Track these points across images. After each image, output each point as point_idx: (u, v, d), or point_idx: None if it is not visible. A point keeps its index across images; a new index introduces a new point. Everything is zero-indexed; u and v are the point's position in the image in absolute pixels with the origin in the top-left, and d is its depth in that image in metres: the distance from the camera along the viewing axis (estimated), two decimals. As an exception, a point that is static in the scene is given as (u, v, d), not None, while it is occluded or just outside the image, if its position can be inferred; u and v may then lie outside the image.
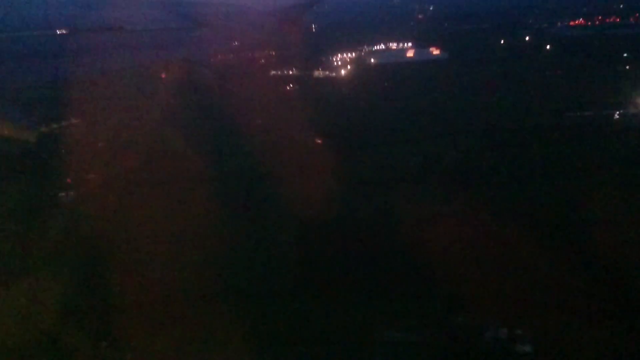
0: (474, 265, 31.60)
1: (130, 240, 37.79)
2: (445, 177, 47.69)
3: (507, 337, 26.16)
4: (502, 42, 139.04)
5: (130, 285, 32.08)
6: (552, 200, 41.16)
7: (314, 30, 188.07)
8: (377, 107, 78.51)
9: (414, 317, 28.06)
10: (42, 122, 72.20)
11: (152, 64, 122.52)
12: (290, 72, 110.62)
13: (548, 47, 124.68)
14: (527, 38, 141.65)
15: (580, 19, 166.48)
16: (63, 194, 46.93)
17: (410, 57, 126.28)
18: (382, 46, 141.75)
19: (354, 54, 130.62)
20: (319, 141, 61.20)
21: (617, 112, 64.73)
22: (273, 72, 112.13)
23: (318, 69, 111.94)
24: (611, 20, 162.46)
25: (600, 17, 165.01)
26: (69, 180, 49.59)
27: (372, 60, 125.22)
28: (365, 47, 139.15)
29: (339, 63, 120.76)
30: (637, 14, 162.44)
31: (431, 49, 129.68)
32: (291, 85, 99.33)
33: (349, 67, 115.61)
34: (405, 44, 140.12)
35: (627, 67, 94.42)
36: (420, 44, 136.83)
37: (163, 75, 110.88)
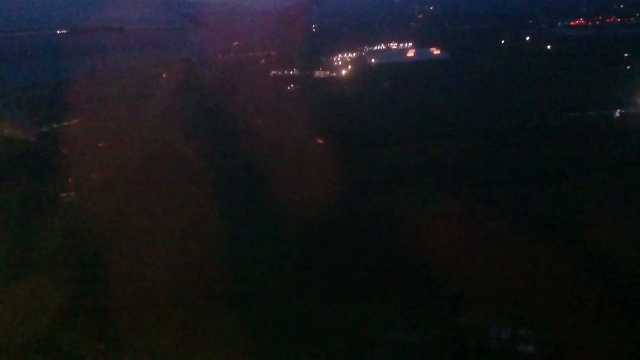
0: (476, 265, 31.53)
1: (132, 240, 37.65)
2: (447, 176, 47.61)
3: (510, 338, 26.09)
4: (502, 42, 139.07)
5: (131, 286, 31.99)
6: (555, 200, 41.21)
7: (314, 30, 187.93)
8: (378, 107, 78.45)
9: (416, 318, 28.02)
10: (42, 122, 72.05)
11: (152, 64, 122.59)
12: (291, 72, 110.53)
13: (549, 47, 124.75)
14: (527, 38, 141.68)
15: (581, 19, 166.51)
16: (64, 194, 46.79)
17: (410, 57, 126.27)
18: (383, 46, 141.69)
19: (354, 54, 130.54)
20: (320, 141, 61.10)
21: (619, 112, 64.73)
22: (273, 72, 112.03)
23: (319, 69, 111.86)
24: (611, 20, 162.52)
25: (600, 17, 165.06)
26: (70, 180, 49.44)
27: (373, 60, 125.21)
28: (366, 47, 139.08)
29: (340, 63, 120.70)
30: (638, 14, 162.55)
31: (432, 49, 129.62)
32: (292, 85, 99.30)
33: (349, 67, 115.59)
34: (406, 44, 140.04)
35: (628, 66, 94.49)
36: (421, 44, 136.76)
37: (164, 76, 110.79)
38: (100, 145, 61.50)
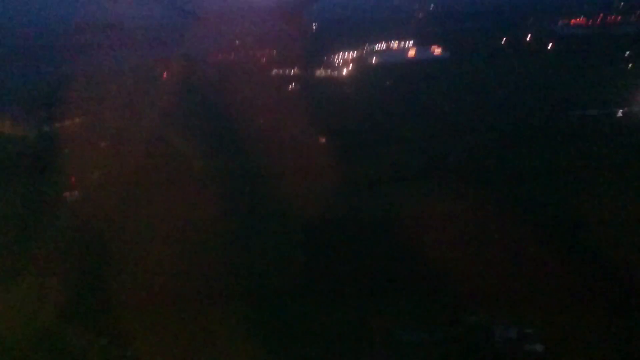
0: (481, 264, 31.48)
1: (134, 239, 37.70)
2: (451, 175, 47.56)
3: (517, 336, 26.07)
4: (503, 41, 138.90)
5: (134, 283, 32.11)
6: (559, 199, 41.07)
7: (314, 29, 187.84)
8: (380, 106, 78.22)
9: (423, 317, 28.01)
10: (44, 121, 72.17)
11: (152, 61, 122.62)
12: (292, 72, 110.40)
13: (550, 45, 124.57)
14: (528, 37, 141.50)
15: (581, 18, 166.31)
16: (67, 193, 46.78)
17: (411, 57, 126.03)
18: (384, 45, 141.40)
19: (355, 53, 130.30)
20: (322, 140, 61.04)
21: (620, 111, 64.68)
22: (274, 71, 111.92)
23: (320, 68, 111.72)
24: (612, 18, 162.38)
25: (601, 16, 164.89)
26: (72, 179, 49.43)
27: (374, 59, 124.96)
28: (367, 46, 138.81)
29: (341, 62, 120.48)
30: (638, 13, 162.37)
31: (433, 48, 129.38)
32: (293, 85, 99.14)
33: (350, 66, 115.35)
34: (407, 43, 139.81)
35: (630, 65, 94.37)
36: (422, 43, 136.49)
37: (164, 74, 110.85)
38: (102, 144, 61.50)
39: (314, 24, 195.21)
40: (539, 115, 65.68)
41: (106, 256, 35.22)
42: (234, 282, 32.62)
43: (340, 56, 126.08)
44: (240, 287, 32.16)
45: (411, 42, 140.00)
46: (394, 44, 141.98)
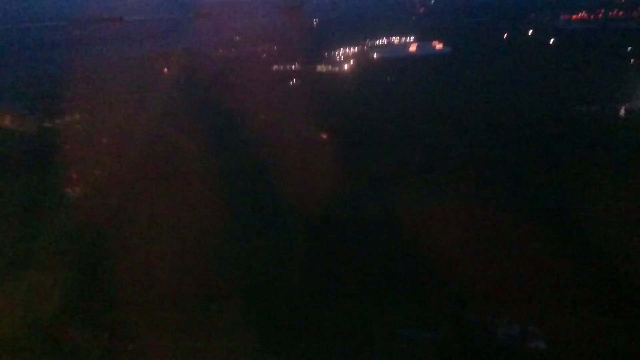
0: (485, 262, 31.45)
1: (135, 235, 37.70)
2: (453, 172, 47.43)
3: (519, 334, 26.12)
4: (504, 36, 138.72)
5: (135, 280, 32.04)
6: (562, 196, 40.89)
7: (315, 24, 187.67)
8: (381, 102, 78.03)
9: (426, 315, 27.94)
10: (46, 117, 72.13)
11: (153, 55, 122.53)
12: (293, 67, 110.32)
13: (551, 40, 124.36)
14: (529, 32, 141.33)
15: (583, 13, 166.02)
16: (69, 189, 46.76)
17: (413, 52, 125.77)
18: (385, 40, 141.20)
19: (356, 49, 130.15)
20: (324, 136, 60.94)
21: (623, 106, 64.59)
22: (275, 67, 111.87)
23: (321, 64, 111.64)
24: (614, 14, 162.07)
25: (602, 11, 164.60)
26: (74, 175, 49.38)
27: (375, 54, 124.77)
28: (368, 41, 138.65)
29: (342, 57, 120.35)
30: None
31: (434, 43, 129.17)
32: (294, 80, 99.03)
33: (351, 61, 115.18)
34: (408, 38, 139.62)
35: (631, 60, 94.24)
36: (423, 38, 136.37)
37: (165, 70, 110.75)
38: (103, 140, 61.44)
39: (314, 20, 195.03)
40: (543, 111, 65.52)
41: (108, 252, 35.11)
42: (235, 279, 32.44)
43: (340, 51, 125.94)
44: (242, 284, 31.98)
45: (412, 37, 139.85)
46: (395, 40, 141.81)
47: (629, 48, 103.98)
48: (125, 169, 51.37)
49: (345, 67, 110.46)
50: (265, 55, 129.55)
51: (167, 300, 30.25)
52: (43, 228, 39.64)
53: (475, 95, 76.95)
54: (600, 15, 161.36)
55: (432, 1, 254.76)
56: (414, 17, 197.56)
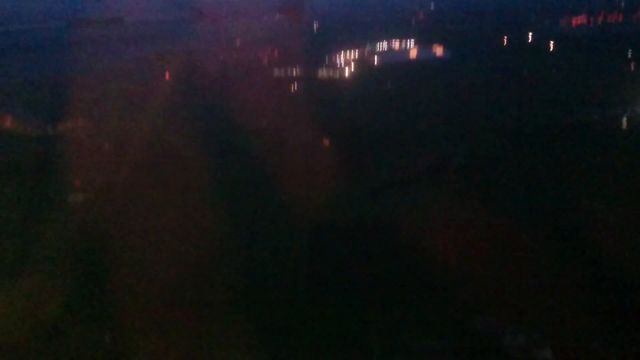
0: (489, 270, 31.34)
1: (138, 241, 37.65)
2: (456, 178, 47.49)
3: (526, 342, 25.97)
4: (505, 40, 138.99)
5: (137, 285, 31.95)
6: (566, 203, 40.91)
7: (315, 29, 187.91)
8: (382, 107, 78.11)
9: (430, 323, 27.83)
10: (46, 121, 72.07)
11: (154, 57, 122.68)
12: (294, 72, 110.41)
13: (551, 45, 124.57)
14: (529, 37, 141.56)
15: (583, 17, 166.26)
16: (72, 196, 46.71)
17: (413, 57, 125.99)
18: (385, 45, 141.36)
19: (356, 54, 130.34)
20: (325, 142, 60.95)
21: (626, 112, 64.63)
22: (276, 72, 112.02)
23: (321, 69, 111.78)
24: (614, 18, 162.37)
25: (602, 15, 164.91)
26: (77, 181, 49.32)
27: (375, 59, 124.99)
28: (368, 46, 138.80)
29: (342, 62, 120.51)
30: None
31: (434, 48, 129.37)
32: (295, 85, 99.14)
33: (352, 66, 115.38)
34: (408, 43, 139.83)
35: (632, 64, 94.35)
36: (423, 43, 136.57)
37: (167, 72, 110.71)
38: (106, 146, 61.39)
39: (315, 23, 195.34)
40: (545, 117, 65.59)
41: (110, 258, 35.03)
42: (237, 285, 32.36)
43: (341, 57, 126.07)
44: (244, 290, 31.92)
45: (412, 42, 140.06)
46: (396, 44, 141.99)
47: (630, 52, 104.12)
48: (127, 175, 51.33)
49: (346, 71, 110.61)
50: (266, 59, 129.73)
51: (169, 307, 30.07)
52: (45, 234, 39.59)
53: (478, 101, 76.95)
54: (600, 19, 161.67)
55: (432, 6, 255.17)
56: (414, 22, 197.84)
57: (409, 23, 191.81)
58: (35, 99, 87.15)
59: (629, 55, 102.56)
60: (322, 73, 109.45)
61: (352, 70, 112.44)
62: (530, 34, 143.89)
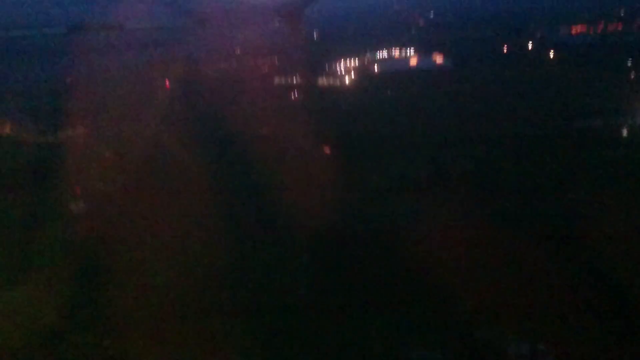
0: (492, 278, 31.17)
1: (139, 249, 37.53)
2: (456, 186, 47.33)
3: (530, 352, 25.76)
4: (504, 49, 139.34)
5: (138, 298, 31.74)
6: (568, 212, 40.71)
7: (315, 37, 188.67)
8: (383, 115, 78.12)
9: (433, 333, 27.64)
10: (47, 130, 72.12)
11: (154, 64, 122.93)
12: (294, 80, 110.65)
13: (551, 54, 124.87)
14: (529, 45, 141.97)
15: (583, 25, 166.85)
16: (71, 203, 46.55)
17: (413, 65, 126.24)
18: (385, 53, 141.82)
19: (356, 62, 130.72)
20: (326, 150, 60.89)
21: (624, 119, 64.63)
22: (277, 80, 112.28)
23: (321, 77, 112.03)
24: (614, 26, 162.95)
25: (602, 24, 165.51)
26: (77, 190, 49.20)
27: (375, 68, 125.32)
28: (368, 54, 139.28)
29: (342, 71, 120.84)
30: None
31: (434, 56, 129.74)
32: (295, 93, 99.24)
33: (352, 75, 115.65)
34: (408, 52, 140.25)
35: (632, 73, 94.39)
36: (423, 52, 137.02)
37: (167, 80, 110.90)
38: (106, 153, 61.29)
39: (314, 32, 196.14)
40: (545, 125, 65.50)
41: (115, 269, 34.75)
42: (237, 294, 32.23)
43: (341, 65, 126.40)
44: (244, 299, 31.75)
45: (412, 50, 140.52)
46: (396, 53, 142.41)
47: (630, 61, 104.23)
48: (128, 183, 51.24)
49: (347, 80, 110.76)
50: (266, 66, 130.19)
51: (169, 316, 29.94)
52: (45, 242, 39.45)
53: (478, 109, 76.91)
54: (600, 28, 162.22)
55: (432, 15, 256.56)
56: (413, 31, 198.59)
57: (409, 31, 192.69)
58: (34, 106, 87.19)
59: (629, 64, 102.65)
60: (323, 80, 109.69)
61: (353, 77, 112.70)
62: (530, 41, 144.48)
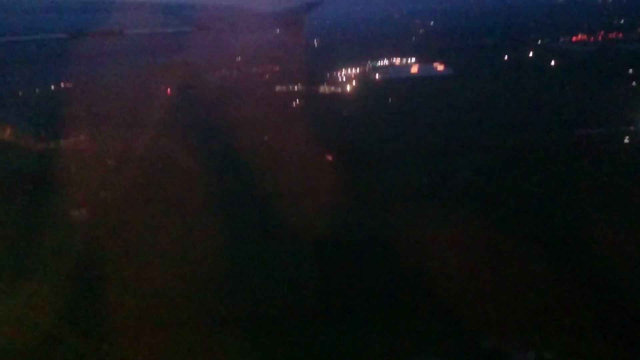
0: (497, 286, 31.00)
1: (141, 257, 37.34)
2: (458, 195, 47.33)
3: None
4: (505, 58, 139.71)
5: (139, 302, 31.67)
6: (570, 220, 40.64)
7: (316, 45, 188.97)
8: (384, 123, 78.09)
9: (438, 341, 27.44)
10: (47, 135, 71.91)
11: (154, 70, 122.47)
12: (295, 88, 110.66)
13: (552, 63, 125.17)
14: (530, 54, 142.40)
15: (583, 35, 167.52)
16: (75, 212, 46.33)
17: (414, 73, 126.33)
18: (386, 61, 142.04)
19: (358, 70, 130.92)
20: (328, 158, 60.81)
21: (628, 129, 64.60)
22: (278, 88, 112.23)
23: (323, 85, 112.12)
24: (614, 35, 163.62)
25: (602, 33, 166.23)
26: (80, 197, 48.99)
27: (377, 75, 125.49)
28: (369, 62, 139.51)
29: (344, 79, 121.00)
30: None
31: (435, 64, 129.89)
32: (296, 101, 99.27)
33: (353, 83, 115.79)
34: (409, 60, 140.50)
35: (633, 82, 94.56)
36: (424, 60, 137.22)
37: (168, 86, 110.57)
38: (107, 160, 61.12)
39: (315, 39, 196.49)
40: (546, 134, 65.51)
41: (117, 277, 34.65)
42: (241, 302, 32.01)
43: (342, 73, 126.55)
44: (248, 307, 31.54)
45: (413, 58, 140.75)
46: (396, 61, 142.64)
47: (630, 70, 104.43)
48: (129, 189, 51.07)
49: (348, 88, 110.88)
50: (267, 73, 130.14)
51: (171, 325, 29.66)
52: (46, 249, 39.27)
53: (479, 117, 76.89)
54: (600, 37, 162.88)
55: (432, 23, 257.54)
56: (414, 39, 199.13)
57: (409, 39, 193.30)
58: (34, 112, 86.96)
59: (630, 72, 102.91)
60: (324, 88, 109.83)
61: (354, 84, 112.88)
62: (531, 50, 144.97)
